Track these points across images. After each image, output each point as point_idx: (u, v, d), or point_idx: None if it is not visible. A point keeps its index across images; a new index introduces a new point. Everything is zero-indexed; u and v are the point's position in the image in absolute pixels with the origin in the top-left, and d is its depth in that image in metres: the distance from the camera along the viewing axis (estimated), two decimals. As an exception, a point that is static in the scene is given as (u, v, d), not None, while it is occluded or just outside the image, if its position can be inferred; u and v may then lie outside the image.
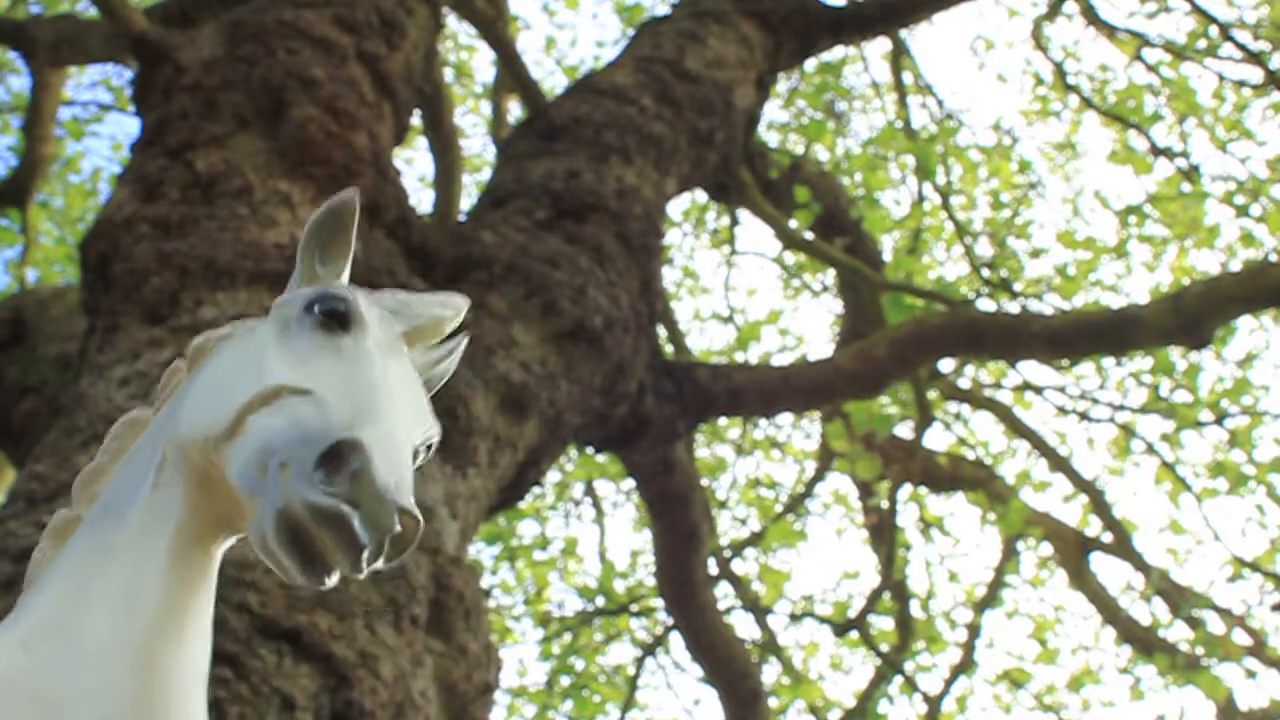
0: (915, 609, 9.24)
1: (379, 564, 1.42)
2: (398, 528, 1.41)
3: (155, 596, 1.54)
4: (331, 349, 1.62)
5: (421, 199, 11.07)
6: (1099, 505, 9.02)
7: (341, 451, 1.41)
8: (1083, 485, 9.17)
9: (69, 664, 1.48)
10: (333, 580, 1.44)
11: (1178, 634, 8.93)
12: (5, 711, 1.45)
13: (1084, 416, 9.57)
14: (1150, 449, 9.39)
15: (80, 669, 1.48)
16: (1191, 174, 9.83)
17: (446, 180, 8.68)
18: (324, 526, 1.39)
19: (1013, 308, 8.65)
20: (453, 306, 1.83)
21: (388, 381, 1.59)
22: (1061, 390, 9.53)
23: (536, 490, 8.21)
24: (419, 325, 1.78)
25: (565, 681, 9.43)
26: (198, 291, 4.28)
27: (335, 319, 1.66)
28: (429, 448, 1.67)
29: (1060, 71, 10.46)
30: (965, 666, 9.02)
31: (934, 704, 8.72)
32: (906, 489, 9.19)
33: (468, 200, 8.63)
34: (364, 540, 1.40)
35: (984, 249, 10.17)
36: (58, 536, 1.71)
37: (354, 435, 1.43)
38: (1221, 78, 10.00)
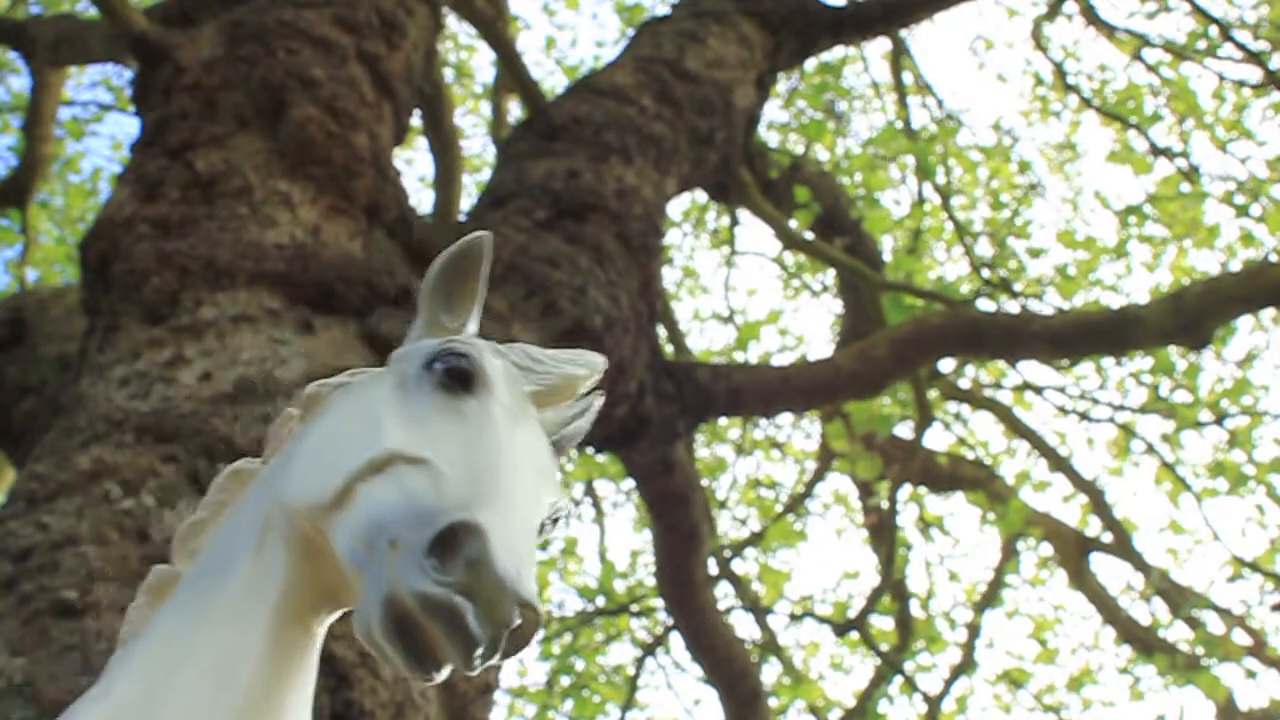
0: (915, 609, 9.24)
1: (494, 660, 1.31)
2: (517, 621, 1.30)
3: (248, 678, 1.42)
4: (452, 412, 1.48)
5: (421, 199, 11.09)
6: (1099, 505, 9.02)
7: (457, 535, 1.28)
8: (1083, 485, 9.17)
9: None
10: (442, 675, 1.32)
11: (1178, 634, 8.94)
12: None
13: (1084, 416, 9.57)
14: (1150, 449, 9.39)
15: None
16: (1191, 174, 9.83)
17: (446, 180, 8.68)
18: (434, 619, 1.26)
19: (1013, 308, 8.65)
20: (588, 365, 1.71)
21: (513, 451, 1.45)
22: (1061, 390, 9.53)
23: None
24: (550, 384, 1.64)
25: (565, 681, 9.43)
26: (198, 291, 4.27)
27: (458, 379, 1.51)
28: (555, 521, 1.53)
29: (1060, 71, 10.46)
30: (965, 666, 9.02)
31: (934, 704, 8.72)
32: (906, 489, 9.19)
33: (468, 200, 8.64)
34: (478, 635, 1.28)
35: (984, 249, 10.18)
36: (155, 594, 1.59)
37: (471, 518, 1.29)
38: (1221, 78, 10.00)
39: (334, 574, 1.45)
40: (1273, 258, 9.07)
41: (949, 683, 8.94)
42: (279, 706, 1.43)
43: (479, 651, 1.29)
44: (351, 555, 1.37)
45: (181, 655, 1.43)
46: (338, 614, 1.54)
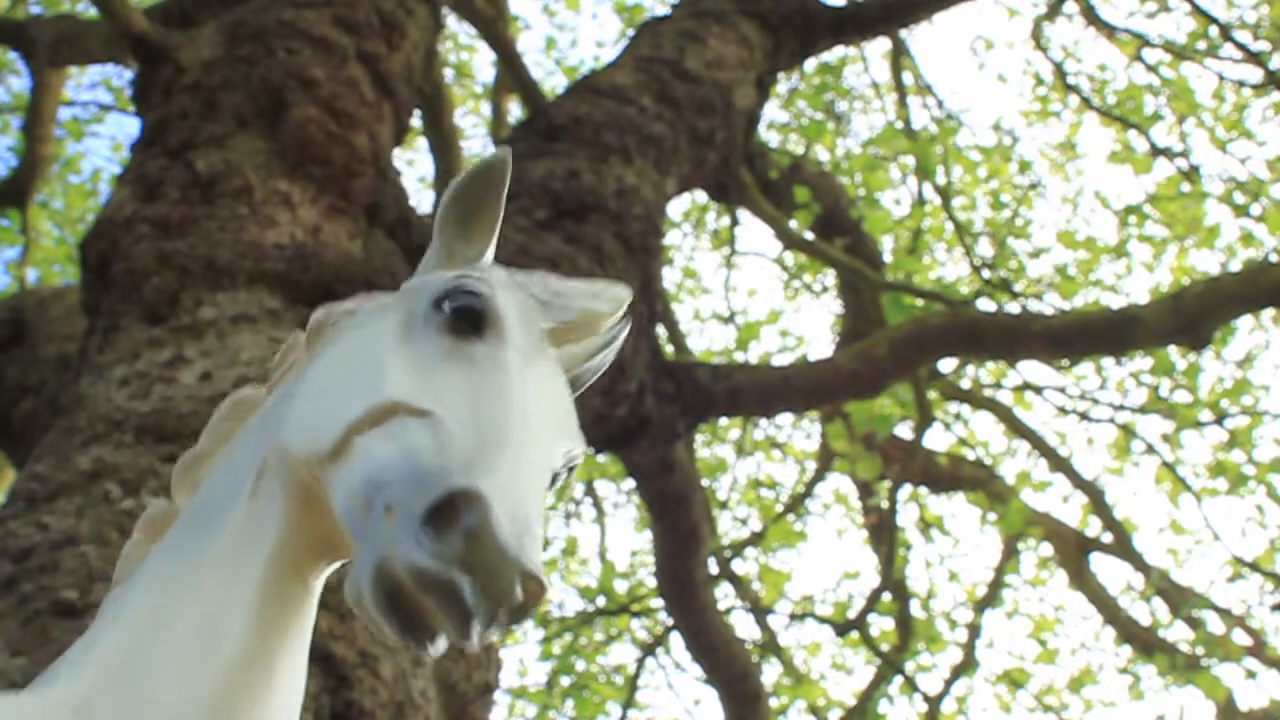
0: (915, 609, 9.24)
1: (494, 633, 1.23)
2: (519, 595, 1.21)
3: (240, 637, 1.34)
4: (461, 357, 1.39)
5: (421, 199, 11.09)
6: (1099, 505, 9.02)
7: (456, 504, 1.19)
8: (1083, 485, 9.18)
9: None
10: (439, 649, 1.24)
11: (1178, 634, 8.94)
12: None
13: (1084, 416, 9.58)
14: (1150, 449, 9.39)
15: None
16: (1191, 174, 9.83)
17: (446, 180, 8.67)
18: (428, 593, 1.18)
19: (1013, 308, 8.65)
20: (611, 299, 1.57)
21: (523, 400, 1.35)
22: (1061, 390, 9.54)
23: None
24: (570, 321, 1.52)
25: (566, 681, 9.43)
26: (198, 291, 4.27)
27: (469, 319, 1.41)
28: (571, 469, 1.45)
29: (1060, 71, 10.46)
30: (965, 666, 9.02)
31: (934, 704, 8.72)
32: (906, 489, 9.20)
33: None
34: (474, 610, 1.19)
35: (984, 249, 10.18)
36: (152, 530, 1.53)
37: (472, 484, 1.20)
38: (1221, 78, 10.01)
39: (331, 524, 1.36)
40: (1273, 258, 9.07)
41: (949, 683, 8.94)
42: (271, 664, 1.36)
43: (476, 624, 1.21)
44: (348, 513, 1.28)
45: (171, 609, 1.37)
46: (336, 565, 1.47)
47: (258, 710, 1.33)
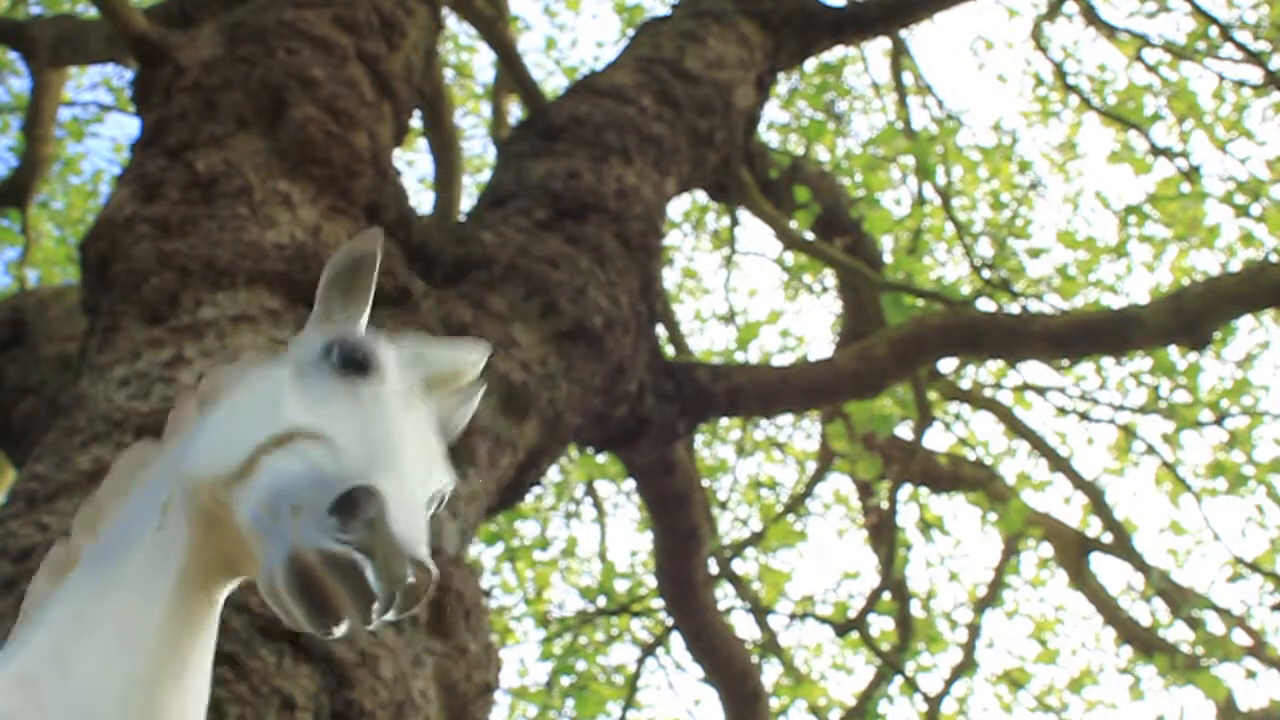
0: (915, 609, 9.24)
1: (389, 615, 1.39)
2: (411, 579, 1.38)
3: (154, 636, 1.50)
4: (348, 395, 1.58)
5: (421, 199, 11.08)
6: (1099, 505, 9.02)
7: (357, 498, 1.37)
8: (1083, 485, 9.18)
9: (64, 703, 1.45)
10: (341, 630, 1.40)
11: (1178, 634, 8.94)
12: None
13: (1084, 417, 9.58)
14: (1150, 449, 9.39)
15: (76, 708, 1.45)
16: (1191, 174, 9.82)
17: (446, 180, 8.68)
18: (335, 575, 1.35)
19: (1013, 308, 8.65)
20: (472, 356, 1.78)
21: (404, 431, 1.55)
22: (1061, 391, 9.54)
23: (536, 490, 8.21)
24: (438, 373, 1.72)
25: (566, 681, 9.43)
26: (198, 291, 4.27)
27: (353, 365, 1.62)
28: (443, 500, 1.63)
29: (1060, 72, 10.46)
30: (965, 667, 9.02)
31: (934, 704, 8.72)
32: (906, 489, 9.19)
33: (468, 200, 8.64)
34: (376, 591, 1.36)
35: (984, 249, 10.18)
36: (55, 571, 1.66)
37: (370, 483, 1.39)
38: (1221, 78, 10.00)
39: (234, 544, 1.52)
40: (1273, 258, 9.07)
41: (949, 683, 8.94)
42: (182, 669, 1.51)
43: (376, 606, 1.37)
44: (255, 521, 1.44)
45: (88, 621, 1.51)
46: (236, 582, 1.62)
47: (175, 692, 1.49)
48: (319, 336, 1.67)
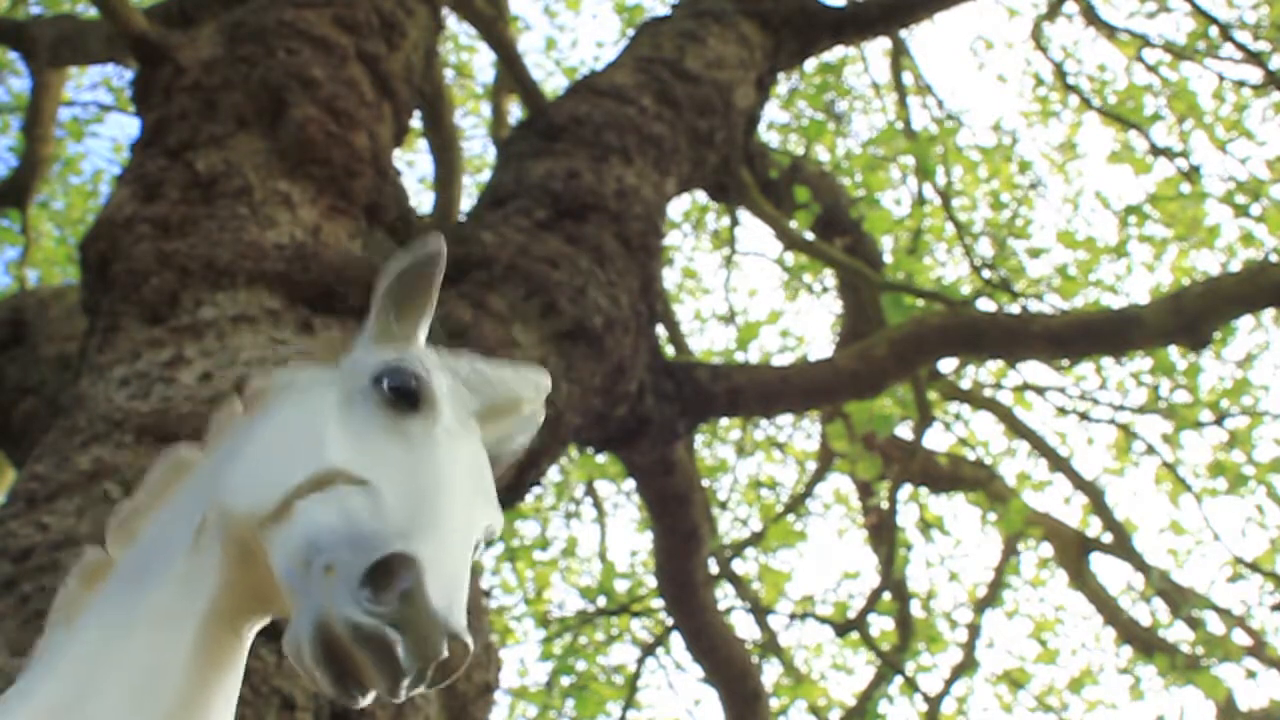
0: (915, 609, 9.24)
1: (420, 689, 1.33)
2: (445, 654, 1.31)
3: (179, 677, 1.43)
4: (397, 432, 1.49)
5: (421, 199, 11.08)
6: (1099, 505, 9.02)
7: (392, 566, 1.30)
8: (1083, 485, 9.18)
9: None
10: (366, 700, 1.33)
11: (1178, 634, 8.94)
12: None
13: (1084, 417, 9.58)
14: (1150, 449, 9.39)
15: None
16: (1191, 174, 9.82)
17: (446, 180, 8.68)
18: (364, 649, 1.28)
19: (1013, 308, 8.65)
20: (533, 385, 1.71)
21: (452, 474, 1.46)
22: (1061, 390, 9.54)
23: (536, 490, 8.21)
24: (495, 403, 1.64)
25: (566, 681, 9.43)
26: (198, 291, 4.27)
27: (406, 397, 1.52)
28: (490, 542, 1.56)
29: (1060, 72, 10.46)
30: (965, 667, 9.02)
31: (934, 704, 8.72)
32: (906, 489, 9.19)
33: (468, 200, 8.64)
34: (406, 667, 1.30)
35: (984, 249, 10.18)
36: (88, 579, 1.59)
37: (408, 549, 1.31)
38: (1221, 78, 10.00)
39: (267, 580, 1.45)
40: (1273, 258, 9.06)
41: (949, 683, 8.94)
42: (208, 707, 1.45)
43: (405, 681, 1.31)
44: (287, 574, 1.37)
45: (111, 655, 1.44)
46: (266, 619, 1.56)
47: None
48: (371, 359, 1.57)
